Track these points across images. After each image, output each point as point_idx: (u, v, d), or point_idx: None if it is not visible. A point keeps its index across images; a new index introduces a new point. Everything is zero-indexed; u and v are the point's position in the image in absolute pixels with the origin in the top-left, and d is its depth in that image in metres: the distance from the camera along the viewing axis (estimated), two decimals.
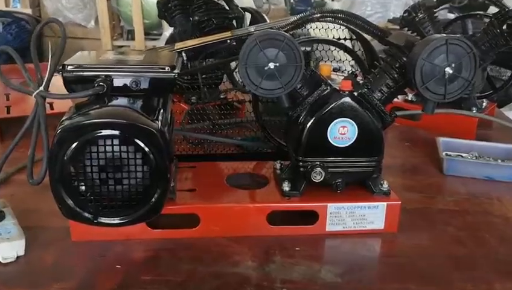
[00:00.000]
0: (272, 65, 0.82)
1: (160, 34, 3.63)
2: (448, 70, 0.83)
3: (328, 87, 0.90)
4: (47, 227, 0.86)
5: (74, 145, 0.70)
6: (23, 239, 0.77)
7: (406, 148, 1.33)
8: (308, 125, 0.89)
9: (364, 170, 0.92)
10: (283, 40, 0.81)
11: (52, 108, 1.31)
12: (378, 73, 0.93)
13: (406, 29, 1.42)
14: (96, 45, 3.86)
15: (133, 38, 3.82)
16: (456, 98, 0.86)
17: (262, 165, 1.07)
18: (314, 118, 0.89)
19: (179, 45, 1.07)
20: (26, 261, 0.78)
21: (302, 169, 0.91)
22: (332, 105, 0.88)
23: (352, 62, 1.11)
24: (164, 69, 0.80)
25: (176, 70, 0.81)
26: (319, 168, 0.90)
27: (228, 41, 1.20)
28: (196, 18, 1.37)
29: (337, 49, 1.08)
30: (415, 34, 1.36)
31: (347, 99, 0.88)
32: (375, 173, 0.94)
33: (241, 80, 0.85)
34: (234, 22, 1.42)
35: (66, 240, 0.82)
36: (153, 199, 0.75)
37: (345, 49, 1.08)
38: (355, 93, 0.89)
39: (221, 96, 1.39)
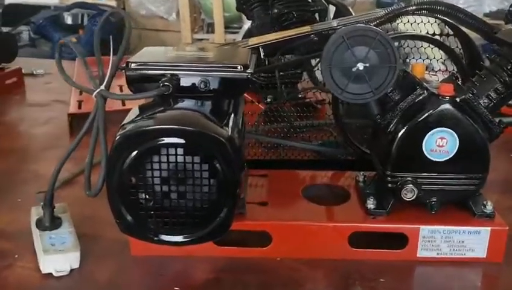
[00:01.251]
0: (361, 66, 0.71)
1: (240, 27, 3.58)
2: None
3: (425, 92, 0.78)
4: (105, 237, 0.80)
5: (134, 153, 0.63)
6: (78, 251, 0.72)
7: (510, 161, 1.16)
8: (399, 134, 0.77)
9: (465, 189, 0.79)
10: (375, 36, 0.69)
11: (123, 104, 1.27)
12: (485, 76, 0.79)
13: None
14: (177, 38, 3.88)
15: (213, 32, 3.80)
16: None
17: (342, 176, 0.96)
18: (407, 127, 0.76)
19: (253, 40, 0.98)
20: (80, 275, 0.72)
21: (390, 185, 0.79)
22: (429, 112, 0.75)
23: (443, 60, 0.97)
24: (236, 68, 0.71)
25: (250, 70, 0.72)
26: (410, 185, 0.78)
27: (310, 36, 1.09)
28: (275, 11, 1.27)
29: (428, 45, 0.95)
30: None
31: (447, 106, 0.75)
32: (477, 192, 0.80)
33: (322, 79, 0.74)
34: (317, 15, 1.31)
35: (124, 253, 0.76)
36: (220, 216, 0.66)
37: (440, 45, 0.94)
38: (458, 100, 0.76)
39: (300, 96, 1.29)
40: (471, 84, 0.79)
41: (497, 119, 0.78)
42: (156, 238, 0.66)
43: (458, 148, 0.76)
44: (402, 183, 0.78)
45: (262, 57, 1.29)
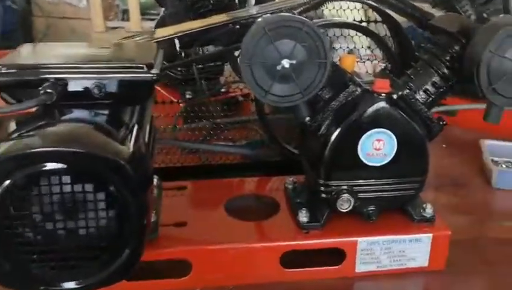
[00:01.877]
0: (286, 63, 0.60)
1: (159, 14, 3.38)
2: None
3: (358, 88, 0.69)
4: None
5: (6, 184, 0.49)
6: None
7: (443, 152, 1.11)
8: (332, 138, 0.68)
9: (404, 194, 0.72)
10: (301, 27, 0.59)
11: None
12: (421, 68, 0.71)
13: (434, 10, 1.20)
14: (89, 26, 3.61)
15: (128, 19, 3.57)
16: None
17: (271, 182, 0.86)
18: (340, 130, 0.67)
19: (161, 32, 0.85)
20: None
21: (324, 195, 0.70)
22: (364, 112, 0.67)
23: (371, 49, 0.89)
24: (139, 68, 0.58)
25: (155, 70, 0.59)
26: (346, 195, 0.69)
27: (229, 25, 0.98)
28: None
29: (355, 33, 0.87)
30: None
31: (384, 104, 0.67)
32: (416, 196, 0.73)
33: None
34: (237, 1, 1.20)
35: None
36: (124, 253, 0.54)
37: (369, 33, 0.86)
38: (395, 96, 0.67)
39: (222, 91, 1.17)
40: (407, 78, 0.71)
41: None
42: (42, 288, 0.52)
43: (396, 150, 0.68)
44: (337, 193, 0.69)
45: (178, 49, 1.17)
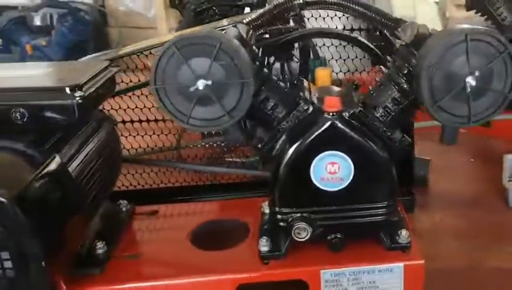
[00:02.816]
0: (201, 84, 0.55)
1: None
2: (471, 80, 0.53)
3: (310, 107, 0.63)
4: None
5: None
6: None
7: (468, 168, 1.00)
8: (283, 162, 0.62)
9: (372, 220, 0.65)
10: (216, 44, 0.54)
11: None
12: (382, 83, 0.63)
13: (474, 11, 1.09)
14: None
15: None
16: (488, 119, 0.56)
17: (252, 204, 0.82)
18: (291, 153, 0.62)
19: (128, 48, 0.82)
20: None
21: (281, 223, 0.65)
22: (314, 133, 0.61)
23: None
24: (61, 91, 0.56)
25: (80, 93, 0.57)
26: (302, 223, 0.63)
27: None
28: (192, 7, 1.13)
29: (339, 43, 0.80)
30: (486, 18, 1.02)
31: (334, 123, 0.61)
32: (389, 222, 0.65)
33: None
34: (248, 9, 1.16)
35: None
36: None
37: (356, 42, 0.79)
38: (346, 114, 0.61)
39: None
40: (367, 94, 0.64)
41: (400, 135, 0.63)
42: None
43: (354, 174, 0.62)
44: (293, 221, 0.64)
45: None
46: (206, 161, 0.98)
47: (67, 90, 0.57)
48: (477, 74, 0.53)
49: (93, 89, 0.63)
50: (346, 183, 0.62)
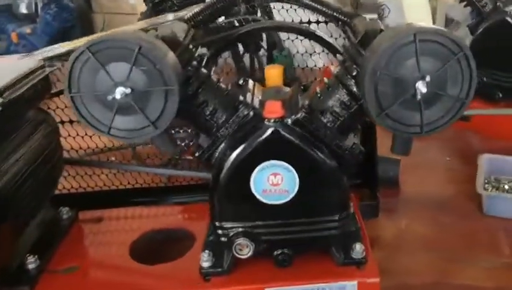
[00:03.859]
0: (119, 92, 0.49)
1: None
2: (421, 86, 0.46)
3: (250, 112, 0.57)
4: None
5: None
6: None
7: (444, 167, 0.94)
8: (221, 174, 0.57)
9: (321, 235, 0.59)
10: (134, 48, 0.48)
11: None
12: (330, 85, 0.57)
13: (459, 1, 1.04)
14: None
15: None
16: (444, 127, 0.50)
17: (203, 210, 0.76)
18: (229, 163, 0.56)
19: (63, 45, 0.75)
20: None
21: (222, 239, 0.59)
22: (252, 141, 0.55)
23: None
24: None
25: None
26: (243, 239, 0.58)
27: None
28: None
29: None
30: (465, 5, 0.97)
31: (275, 130, 0.55)
32: (340, 236, 0.60)
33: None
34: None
35: None
36: None
37: (313, 37, 0.72)
38: (289, 121, 0.55)
39: None
40: (314, 97, 0.57)
41: (352, 141, 0.57)
42: None
43: (300, 185, 0.56)
44: (234, 236, 0.58)
45: None
46: (164, 161, 0.92)
47: None
48: (428, 78, 0.46)
49: (18, 93, 0.58)
50: (292, 196, 0.57)
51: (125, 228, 0.73)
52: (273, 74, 0.66)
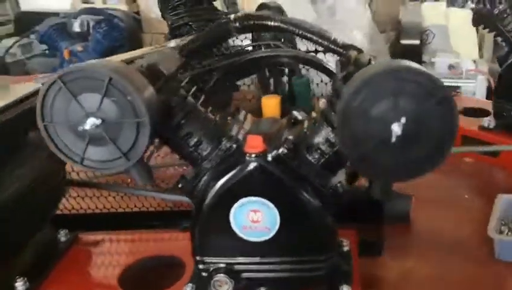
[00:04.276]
0: (89, 123, 0.49)
1: None
2: (396, 128, 0.44)
3: (233, 145, 0.55)
4: None
5: None
6: None
7: (461, 205, 0.88)
8: (202, 208, 0.55)
9: (304, 276, 0.57)
10: (104, 79, 0.48)
11: None
12: (317, 120, 0.55)
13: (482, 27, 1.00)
14: None
15: None
16: (423, 173, 0.47)
17: None
18: (210, 198, 0.55)
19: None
20: None
21: (203, 273, 0.58)
22: (232, 176, 0.54)
23: None
24: None
25: None
26: (222, 276, 0.56)
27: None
28: (169, 22, 1.07)
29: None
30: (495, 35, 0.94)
31: (256, 165, 0.53)
32: (324, 277, 0.57)
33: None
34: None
35: None
36: None
37: (312, 65, 0.70)
38: (270, 156, 0.53)
39: None
40: (300, 132, 0.55)
41: (338, 180, 0.55)
42: None
43: (280, 223, 0.54)
44: (214, 271, 0.57)
45: None
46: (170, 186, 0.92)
47: None
48: (403, 120, 0.44)
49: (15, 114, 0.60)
50: (273, 234, 0.55)
51: (118, 254, 0.73)
52: (270, 104, 0.64)
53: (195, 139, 0.57)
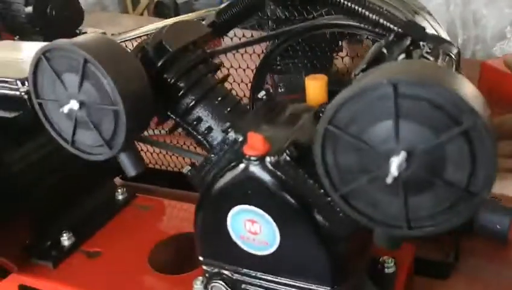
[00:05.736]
0: (74, 104, 0.44)
1: None
2: (395, 164, 0.31)
3: (240, 138, 0.47)
4: None
5: None
6: None
7: None
8: (201, 204, 0.49)
9: None
10: (80, 59, 0.42)
11: None
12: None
13: None
14: None
15: None
16: (441, 230, 0.33)
17: None
18: (211, 195, 0.48)
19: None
20: None
21: (206, 274, 0.52)
22: (227, 179, 0.46)
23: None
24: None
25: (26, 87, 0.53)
26: (219, 283, 0.50)
27: None
28: None
29: None
30: None
31: (252, 171, 0.44)
32: None
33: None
34: None
35: None
36: None
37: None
38: (269, 161, 0.44)
39: None
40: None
41: None
42: None
43: (281, 239, 0.45)
44: (212, 275, 0.51)
45: None
46: None
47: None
48: (403, 155, 0.31)
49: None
50: (273, 250, 0.46)
51: (159, 225, 0.71)
52: (314, 85, 0.53)
53: (205, 126, 0.50)
